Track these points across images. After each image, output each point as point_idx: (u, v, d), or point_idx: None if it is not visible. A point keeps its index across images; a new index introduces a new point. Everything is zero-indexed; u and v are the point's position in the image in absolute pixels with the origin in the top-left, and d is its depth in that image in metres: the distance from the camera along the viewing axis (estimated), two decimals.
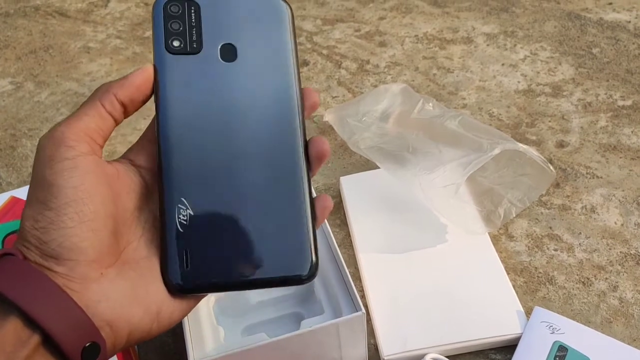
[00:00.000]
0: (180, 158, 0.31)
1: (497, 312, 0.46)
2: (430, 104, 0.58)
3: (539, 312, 0.45)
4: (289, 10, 0.34)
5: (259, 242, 0.31)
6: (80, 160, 0.29)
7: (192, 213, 0.31)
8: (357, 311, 0.40)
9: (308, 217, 0.32)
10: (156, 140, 0.32)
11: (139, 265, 0.30)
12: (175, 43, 0.32)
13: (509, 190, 0.52)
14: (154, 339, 0.48)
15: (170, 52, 0.32)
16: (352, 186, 0.57)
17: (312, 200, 0.32)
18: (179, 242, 0.30)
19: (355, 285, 0.42)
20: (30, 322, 0.26)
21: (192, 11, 0.33)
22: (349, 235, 0.54)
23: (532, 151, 0.50)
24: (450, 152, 0.50)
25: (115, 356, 0.39)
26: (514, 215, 0.52)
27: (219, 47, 0.33)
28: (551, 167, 0.50)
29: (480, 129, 0.52)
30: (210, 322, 0.42)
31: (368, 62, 0.77)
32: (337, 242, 0.45)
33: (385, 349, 0.44)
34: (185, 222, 0.31)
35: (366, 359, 0.44)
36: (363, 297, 0.49)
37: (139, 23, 0.89)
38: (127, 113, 0.32)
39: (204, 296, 0.33)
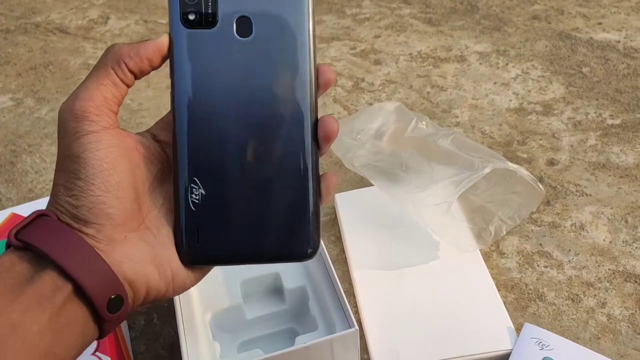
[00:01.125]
0: (194, 137, 0.32)
1: (488, 328, 0.47)
2: (424, 122, 0.59)
3: (529, 328, 0.46)
4: None
5: (265, 219, 0.33)
6: (103, 134, 0.31)
7: (203, 192, 0.32)
8: (350, 327, 0.41)
9: (313, 196, 0.33)
10: (171, 120, 0.32)
11: (160, 232, 0.33)
12: (191, 17, 0.32)
13: (499, 208, 0.54)
14: (149, 352, 0.49)
15: (186, 26, 0.32)
16: (346, 203, 0.58)
17: (318, 178, 0.33)
18: (191, 219, 0.32)
19: (349, 301, 0.43)
20: (64, 274, 0.29)
21: None
22: (344, 252, 0.55)
23: (522, 170, 0.51)
24: (443, 170, 0.51)
25: None
26: (505, 233, 0.53)
27: (235, 21, 0.32)
28: (541, 186, 0.51)
29: (472, 148, 0.54)
30: (206, 337, 0.43)
31: (363, 79, 0.78)
32: (331, 258, 0.46)
33: None
34: (197, 201, 0.32)
35: None
36: (357, 312, 0.50)
37: (138, 40, 0.90)
38: (137, 79, 0.33)
39: (213, 267, 0.35)
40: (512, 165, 0.50)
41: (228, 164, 0.32)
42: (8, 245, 0.30)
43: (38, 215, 0.30)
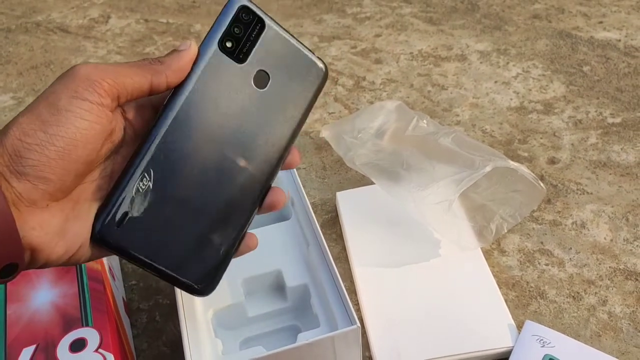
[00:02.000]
0: (169, 136, 0.33)
1: (489, 326, 0.47)
2: (425, 121, 0.59)
3: (530, 325, 0.46)
4: (324, 75, 0.37)
5: (184, 243, 0.34)
6: (97, 109, 0.30)
7: (150, 187, 0.33)
8: (352, 324, 0.41)
9: (230, 247, 0.36)
10: (160, 110, 0.33)
11: (81, 205, 0.32)
12: (228, 44, 0.34)
13: (500, 206, 0.54)
14: (152, 350, 0.49)
15: (219, 48, 0.34)
16: (348, 201, 0.58)
17: (244, 234, 0.36)
18: (124, 203, 0.32)
19: (350, 299, 0.43)
20: None
21: (257, 28, 0.35)
22: (345, 250, 0.55)
23: (523, 168, 0.51)
24: (444, 168, 0.51)
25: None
26: (506, 231, 0.53)
27: (257, 70, 0.35)
28: (542, 184, 0.51)
29: (472, 146, 0.54)
30: (208, 334, 0.43)
31: (364, 78, 0.78)
32: (333, 256, 0.46)
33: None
34: (140, 191, 0.33)
35: None
36: (358, 310, 0.50)
37: (139, 39, 0.90)
38: (161, 92, 0.34)
39: (113, 254, 0.35)
40: (513, 164, 0.50)
41: (182, 178, 0.34)
42: None
43: None
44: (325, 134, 0.64)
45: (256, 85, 0.35)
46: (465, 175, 0.49)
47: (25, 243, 0.28)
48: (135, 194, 0.32)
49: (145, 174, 0.33)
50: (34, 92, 0.81)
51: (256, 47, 0.35)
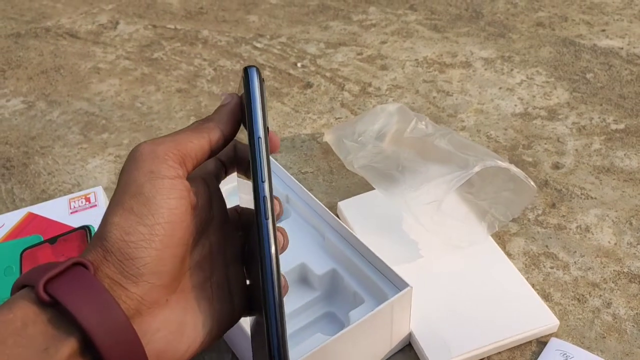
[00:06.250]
0: None
1: (526, 308, 0.48)
2: (423, 123, 0.60)
3: (555, 342, 0.47)
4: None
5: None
6: (178, 182, 0.28)
7: None
8: (402, 288, 0.42)
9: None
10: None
11: (192, 294, 0.30)
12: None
13: (492, 205, 0.55)
14: None
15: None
16: (351, 209, 0.58)
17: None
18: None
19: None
20: (90, 348, 0.25)
21: None
22: None
23: (513, 167, 0.51)
24: (437, 169, 0.52)
25: None
26: (497, 229, 0.54)
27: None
28: (532, 183, 0.52)
29: (467, 147, 0.54)
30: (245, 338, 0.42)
31: (370, 84, 0.79)
32: None
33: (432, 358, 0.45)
34: None
35: (409, 331, 0.46)
36: None
37: (148, 45, 0.91)
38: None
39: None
40: (502, 163, 0.51)
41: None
42: (19, 287, 0.26)
43: (72, 264, 0.26)
44: (327, 138, 0.65)
45: None
46: (456, 175, 0.50)
47: (151, 349, 0.27)
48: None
49: None
50: (44, 96, 0.82)
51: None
